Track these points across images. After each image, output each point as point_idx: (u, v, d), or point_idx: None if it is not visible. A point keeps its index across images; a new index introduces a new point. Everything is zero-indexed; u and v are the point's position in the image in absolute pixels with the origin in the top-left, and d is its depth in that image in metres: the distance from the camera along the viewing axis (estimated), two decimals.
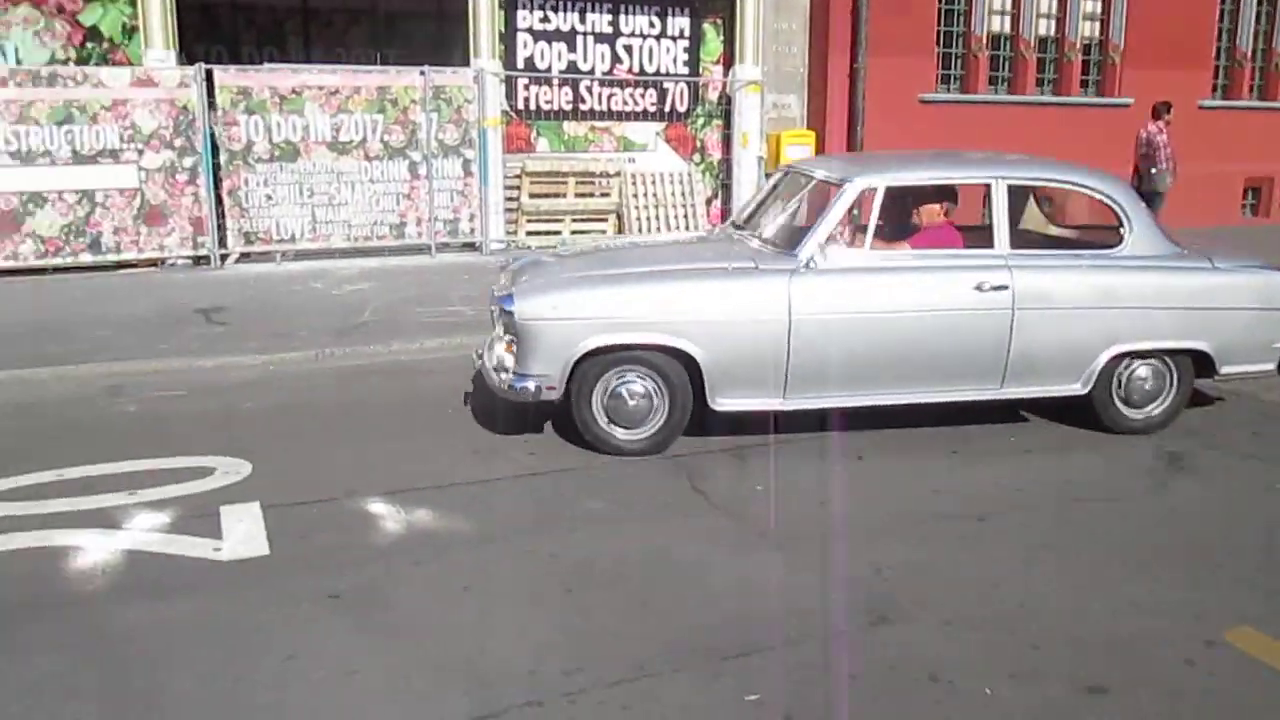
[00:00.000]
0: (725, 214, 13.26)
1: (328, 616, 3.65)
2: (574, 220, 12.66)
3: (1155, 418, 5.84)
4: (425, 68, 11.52)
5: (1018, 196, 5.94)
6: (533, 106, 12.76)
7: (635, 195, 12.78)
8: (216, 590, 3.86)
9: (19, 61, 11.25)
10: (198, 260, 10.90)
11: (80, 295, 9.50)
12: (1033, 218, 6.52)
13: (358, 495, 4.79)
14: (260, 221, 11.09)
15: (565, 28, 12.71)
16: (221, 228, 10.95)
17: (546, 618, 3.64)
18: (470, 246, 12.03)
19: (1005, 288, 5.40)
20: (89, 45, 11.47)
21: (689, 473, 5.14)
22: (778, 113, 13.86)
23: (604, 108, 13.11)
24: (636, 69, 13.15)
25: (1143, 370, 5.75)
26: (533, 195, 12.45)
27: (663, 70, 13.27)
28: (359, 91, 11.26)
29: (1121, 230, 5.70)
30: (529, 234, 12.43)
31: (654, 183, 12.98)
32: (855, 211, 5.59)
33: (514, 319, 5.24)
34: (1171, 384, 5.82)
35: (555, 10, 12.68)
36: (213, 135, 10.79)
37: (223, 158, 10.88)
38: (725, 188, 13.75)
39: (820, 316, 5.27)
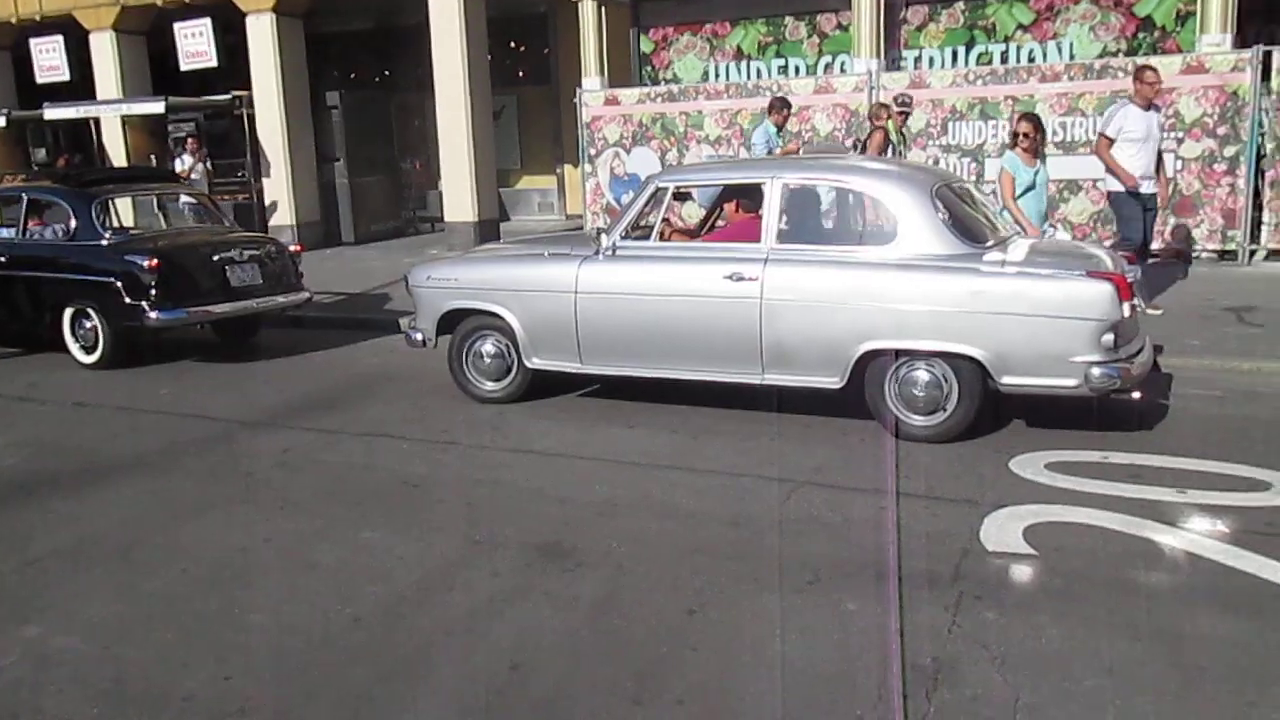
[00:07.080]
0: None
1: None
2: None
3: (939, 427, 5.42)
4: None
5: (798, 195, 6.17)
6: None
7: None
8: None
9: (1072, 56, 11.90)
10: (1223, 254, 10.32)
11: None
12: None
13: None
14: None
15: None
16: (1256, 221, 10.17)
17: None
18: None
19: (755, 279, 5.63)
20: (1139, 36, 11.60)
21: None
22: None
23: None
24: None
25: (920, 374, 5.43)
26: None
27: None
28: None
29: (893, 229, 5.58)
30: None
31: None
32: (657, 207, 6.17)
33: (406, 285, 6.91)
34: (951, 392, 5.35)
35: None
36: (1261, 122, 10.03)
37: (1268, 146, 10.05)
38: None
39: (596, 295, 6.02)
